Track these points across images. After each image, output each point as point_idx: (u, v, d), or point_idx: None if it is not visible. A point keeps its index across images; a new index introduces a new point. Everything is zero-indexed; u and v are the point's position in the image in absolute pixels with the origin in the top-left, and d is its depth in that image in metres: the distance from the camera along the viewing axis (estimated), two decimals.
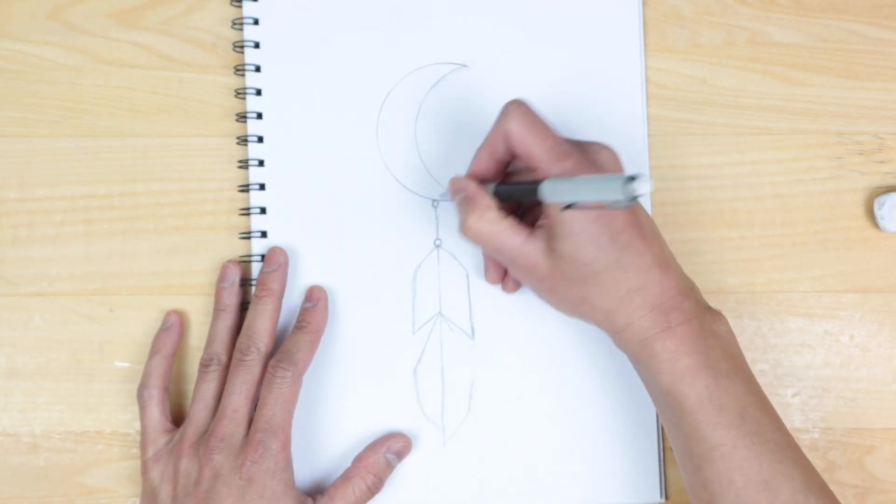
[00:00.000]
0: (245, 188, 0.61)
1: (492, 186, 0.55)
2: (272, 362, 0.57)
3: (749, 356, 0.61)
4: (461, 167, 0.61)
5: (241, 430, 0.56)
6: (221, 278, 0.60)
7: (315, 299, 0.60)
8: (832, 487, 0.61)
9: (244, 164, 0.61)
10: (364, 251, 0.61)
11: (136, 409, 0.61)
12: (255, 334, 0.58)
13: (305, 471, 0.60)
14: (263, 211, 0.61)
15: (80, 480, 0.61)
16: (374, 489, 0.58)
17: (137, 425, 0.61)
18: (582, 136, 0.61)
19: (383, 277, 0.61)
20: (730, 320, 0.61)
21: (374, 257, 0.61)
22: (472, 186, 0.55)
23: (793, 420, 0.61)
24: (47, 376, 0.61)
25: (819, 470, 0.61)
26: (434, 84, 0.62)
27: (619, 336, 0.54)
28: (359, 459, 0.59)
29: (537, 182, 0.52)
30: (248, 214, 0.61)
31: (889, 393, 0.62)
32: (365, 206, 0.61)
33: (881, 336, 0.62)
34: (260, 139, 0.61)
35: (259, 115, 0.61)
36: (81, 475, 0.61)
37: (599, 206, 0.48)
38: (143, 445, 0.58)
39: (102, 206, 0.62)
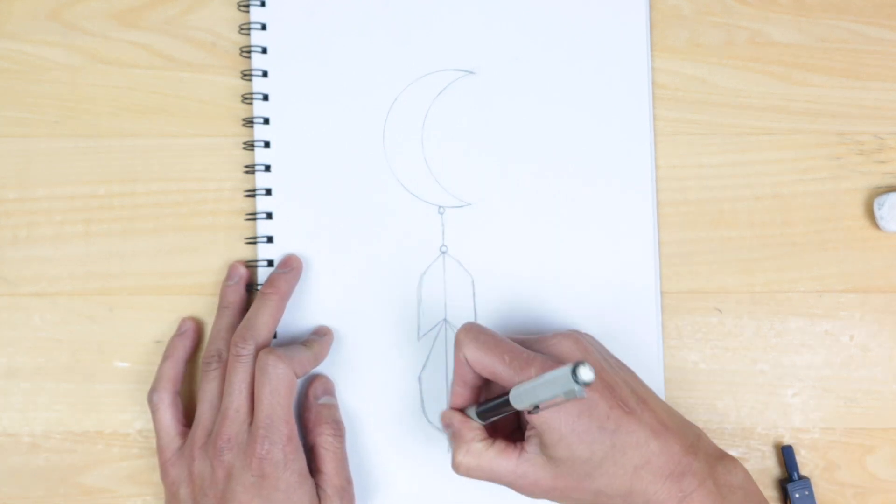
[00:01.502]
0: (251, 193, 0.61)
1: (472, 410, 0.55)
2: (262, 353, 0.56)
3: (749, 356, 0.62)
4: (467, 174, 0.61)
5: (246, 426, 0.56)
6: (228, 277, 0.60)
7: (322, 333, 0.60)
8: (832, 487, 0.61)
9: (251, 169, 0.61)
10: (370, 257, 0.61)
11: (135, 409, 0.61)
12: (253, 327, 0.57)
13: None
14: (270, 216, 0.61)
15: (80, 480, 0.61)
16: (338, 433, 0.58)
17: (137, 425, 0.61)
18: (587, 141, 0.61)
19: (389, 283, 0.61)
20: (729, 320, 0.62)
21: (380, 263, 0.61)
22: (456, 420, 0.55)
23: (793, 420, 0.62)
24: (47, 376, 0.61)
25: (819, 470, 0.61)
26: (441, 91, 0.62)
27: None
28: (304, 426, 0.59)
29: (506, 394, 0.52)
30: (255, 219, 0.61)
31: (889, 393, 0.62)
32: (371, 212, 0.61)
33: (881, 336, 0.62)
34: (267, 144, 0.61)
35: (266, 121, 0.61)
36: (81, 475, 0.61)
37: (563, 401, 0.48)
38: (160, 450, 0.58)
39: (102, 206, 0.62)
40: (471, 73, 0.62)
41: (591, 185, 0.62)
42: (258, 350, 0.57)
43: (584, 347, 0.54)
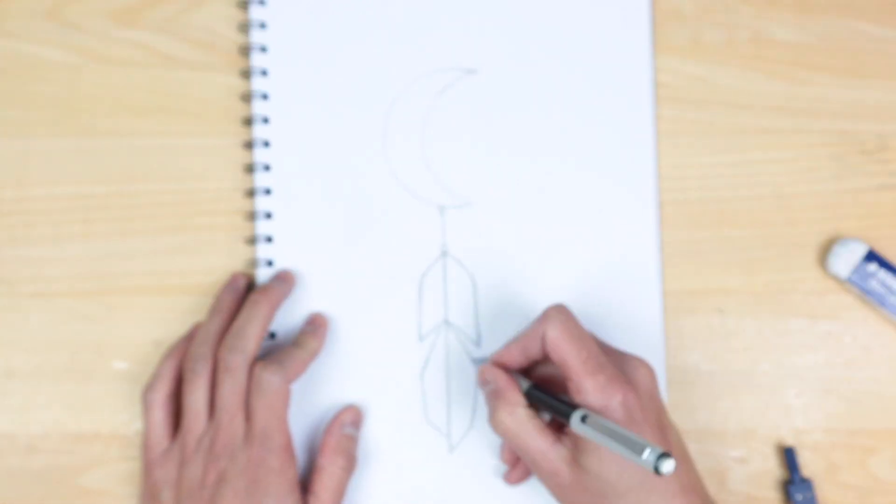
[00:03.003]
0: (251, 193, 0.61)
1: (525, 384, 0.55)
2: (259, 365, 0.56)
3: (751, 356, 0.62)
4: (468, 173, 0.61)
5: (240, 433, 0.56)
6: (228, 283, 0.60)
7: (316, 325, 0.60)
8: (835, 489, 0.61)
9: (250, 169, 0.61)
10: (370, 257, 0.61)
11: (134, 409, 0.61)
12: (242, 337, 0.57)
13: (309, 474, 0.59)
14: (269, 216, 0.61)
15: (78, 482, 0.61)
16: (349, 467, 0.58)
17: (135, 426, 0.61)
18: (589, 141, 0.61)
19: (389, 284, 0.61)
20: (731, 321, 0.62)
21: (380, 264, 0.61)
22: (503, 380, 0.55)
23: (795, 421, 0.61)
24: (45, 377, 0.61)
25: (821, 471, 0.61)
26: (442, 90, 0.62)
27: None
28: (321, 446, 0.59)
29: (571, 406, 0.52)
30: (255, 219, 0.61)
31: (891, 394, 0.62)
32: (371, 212, 0.61)
33: (883, 336, 0.62)
34: (266, 143, 0.61)
35: (266, 120, 0.61)
36: (79, 476, 0.61)
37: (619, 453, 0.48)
38: (147, 448, 0.58)
39: (101, 205, 0.62)
40: (472, 72, 0.62)
41: (593, 185, 0.61)
42: (247, 359, 0.57)
43: (654, 383, 0.54)
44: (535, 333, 0.54)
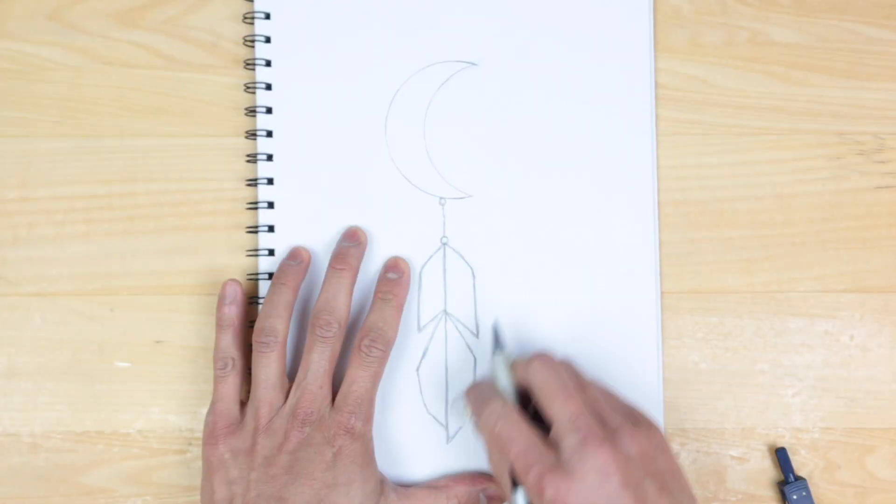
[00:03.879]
0: (253, 182, 0.61)
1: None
2: (366, 341, 0.57)
3: (749, 356, 0.62)
4: (469, 166, 0.61)
5: (326, 404, 0.56)
6: (222, 296, 0.59)
7: (399, 271, 0.60)
8: (832, 487, 0.61)
9: (252, 159, 0.62)
10: (371, 247, 0.61)
11: (136, 408, 0.61)
12: (334, 309, 0.58)
13: None
14: (271, 205, 0.61)
15: (81, 480, 0.61)
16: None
17: (138, 425, 0.61)
18: (589, 138, 0.62)
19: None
20: (730, 320, 0.62)
21: (380, 254, 0.61)
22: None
23: (793, 420, 0.62)
24: (47, 376, 0.61)
25: (819, 470, 0.61)
26: (443, 82, 0.62)
27: None
28: (454, 479, 0.59)
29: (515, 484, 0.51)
30: (256, 209, 0.61)
31: (889, 393, 0.62)
32: (372, 202, 0.61)
33: (881, 336, 0.62)
34: (269, 134, 0.62)
35: (269, 110, 0.62)
36: (81, 475, 0.61)
37: None
38: (216, 417, 0.57)
39: (103, 206, 0.62)
40: (473, 64, 0.62)
41: (592, 186, 0.62)
42: (342, 330, 0.57)
43: (610, 472, 0.48)
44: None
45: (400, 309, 0.59)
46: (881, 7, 0.63)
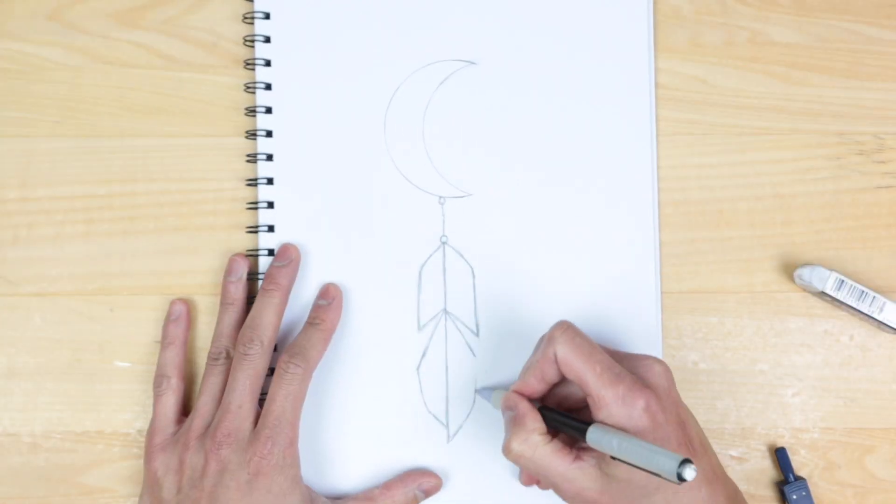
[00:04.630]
0: (253, 182, 0.62)
1: (538, 405, 0.55)
2: (284, 357, 0.57)
3: (749, 356, 0.62)
4: (468, 165, 0.61)
5: (248, 424, 0.56)
6: (228, 272, 0.60)
7: (330, 297, 0.60)
8: (832, 487, 0.61)
9: (252, 158, 0.62)
10: (370, 247, 0.61)
11: (136, 408, 0.61)
12: (258, 326, 0.58)
13: (308, 465, 0.59)
14: (271, 205, 0.61)
15: (80, 480, 0.61)
16: None
17: (138, 425, 0.61)
18: (588, 138, 0.62)
19: (389, 273, 0.61)
20: (730, 320, 0.62)
21: (380, 253, 0.61)
22: (523, 406, 0.54)
23: (793, 420, 0.62)
24: (47, 376, 0.61)
25: (819, 470, 0.61)
26: (442, 81, 0.62)
27: None
28: (387, 486, 0.59)
29: (584, 424, 0.51)
30: (256, 209, 0.61)
31: (889, 392, 0.62)
32: (372, 201, 0.62)
33: (881, 336, 0.62)
34: (269, 133, 0.62)
35: (268, 110, 0.62)
36: (81, 475, 0.61)
37: (643, 469, 0.48)
38: (151, 433, 0.58)
39: (103, 206, 0.62)
40: (472, 63, 0.62)
41: (592, 183, 0.62)
42: (265, 348, 0.57)
43: (670, 379, 0.54)
44: (545, 358, 0.54)
45: (328, 333, 0.59)
46: (881, 7, 0.63)
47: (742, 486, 0.61)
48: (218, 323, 0.60)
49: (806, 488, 0.60)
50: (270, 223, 0.61)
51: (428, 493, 0.60)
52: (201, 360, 0.61)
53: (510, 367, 0.61)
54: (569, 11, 0.62)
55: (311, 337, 0.58)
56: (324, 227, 0.61)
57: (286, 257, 0.60)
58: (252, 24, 0.62)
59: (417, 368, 0.61)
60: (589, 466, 0.52)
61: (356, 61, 0.62)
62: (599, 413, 0.52)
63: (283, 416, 0.56)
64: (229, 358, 0.58)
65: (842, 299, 0.60)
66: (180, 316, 0.60)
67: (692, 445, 0.52)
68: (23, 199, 0.62)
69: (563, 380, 0.55)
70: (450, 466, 0.61)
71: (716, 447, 0.61)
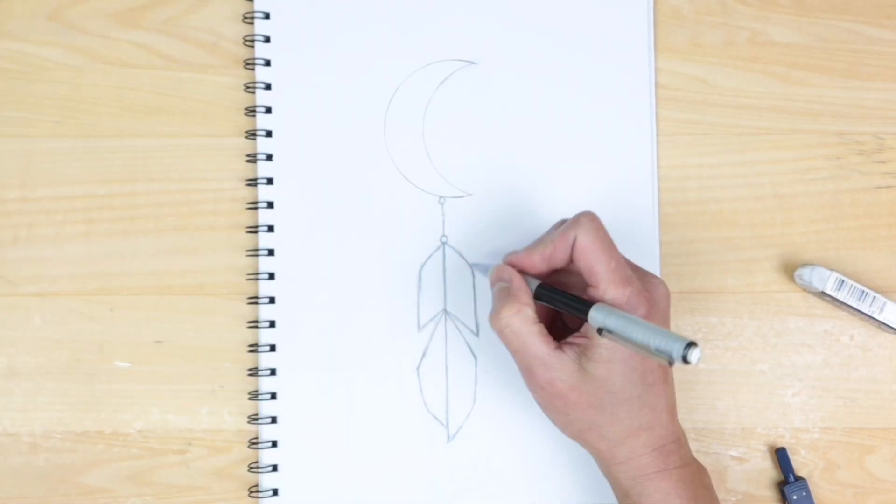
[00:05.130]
0: (253, 182, 0.62)
1: (534, 283, 0.54)
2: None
3: (749, 356, 0.62)
4: (468, 165, 0.61)
5: None
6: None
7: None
8: (832, 487, 0.61)
9: (252, 158, 0.62)
10: (370, 247, 0.61)
11: (135, 408, 0.61)
12: None
13: (308, 465, 0.60)
14: (271, 205, 0.61)
15: (80, 480, 0.61)
16: None
17: (138, 425, 0.61)
18: (588, 138, 0.61)
19: (389, 273, 0.61)
20: (730, 320, 0.62)
21: (380, 253, 0.61)
22: (517, 280, 0.54)
23: (793, 420, 0.62)
24: (47, 376, 0.61)
25: (819, 470, 0.61)
26: (442, 81, 0.62)
27: (615, 468, 0.54)
28: None
29: (588, 302, 0.51)
30: (256, 209, 0.61)
31: (889, 393, 0.62)
32: (372, 201, 0.62)
33: (881, 336, 0.62)
34: (269, 133, 0.62)
35: (268, 110, 0.62)
36: (81, 475, 0.61)
37: (640, 350, 0.48)
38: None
39: (103, 206, 0.62)
40: (472, 63, 0.62)
41: (592, 183, 0.62)
42: None
43: (668, 303, 0.55)
44: (564, 238, 0.53)
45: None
46: (881, 7, 0.63)
47: (742, 487, 0.61)
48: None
49: (806, 488, 0.60)
50: (270, 223, 0.61)
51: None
52: (200, 359, 0.61)
53: (510, 367, 0.61)
54: (569, 11, 0.62)
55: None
56: (324, 227, 0.61)
57: None
58: (252, 24, 0.62)
59: (417, 368, 0.61)
60: (568, 359, 0.52)
61: (356, 61, 0.62)
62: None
63: None
64: None
65: (842, 299, 0.60)
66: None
67: (666, 374, 0.54)
68: (23, 199, 0.62)
69: (562, 269, 0.55)
70: (450, 466, 0.61)
71: (716, 447, 0.61)
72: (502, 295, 0.54)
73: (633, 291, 0.52)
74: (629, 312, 0.51)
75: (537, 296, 0.54)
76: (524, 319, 0.53)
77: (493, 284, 0.55)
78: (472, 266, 0.61)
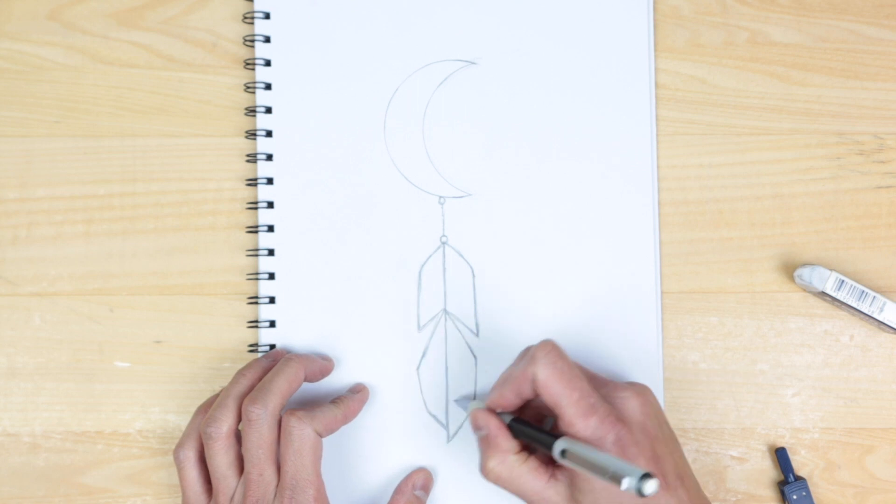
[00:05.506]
0: (253, 182, 0.62)
1: (507, 417, 0.55)
2: (286, 414, 0.56)
3: (749, 356, 0.62)
4: (469, 165, 0.61)
5: (272, 486, 0.55)
6: (267, 355, 0.60)
7: (358, 390, 0.60)
8: (832, 487, 0.61)
9: (252, 158, 0.62)
10: (370, 247, 0.61)
11: (135, 409, 0.61)
12: (267, 391, 0.56)
13: None
14: (271, 205, 0.61)
15: (80, 480, 0.61)
16: None
17: (137, 425, 0.61)
18: (588, 138, 0.61)
19: (389, 273, 0.61)
20: (730, 320, 0.62)
21: (380, 253, 0.61)
22: (494, 425, 0.54)
23: (793, 420, 0.62)
24: (47, 376, 0.61)
25: (819, 470, 0.61)
26: (442, 81, 0.62)
27: None
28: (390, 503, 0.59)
29: (553, 437, 0.51)
30: (256, 209, 0.61)
31: (889, 393, 0.62)
32: (372, 202, 0.62)
33: (881, 336, 0.62)
34: (269, 133, 0.62)
35: (268, 110, 0.62)
36: (81, 475, 0.61)
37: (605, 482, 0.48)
38: None
39: (102, 206, 0.62)
40: (472, 63, 0.62)
41: (592, 186, 0.62)
42: (271, 413, 0.55)
43: (648, 413, 0.54)
44: (524, 376, 0.53)
45: (345, 416, 0.58)
46: (881, 7, 0.63)
47: (742, 487, 0.61)
48: (222, 392, 0.58)
49: (806, 488, 0.60)
50: (270, 223, 0.61)
51: (426, 488, 0.60)
52: (200, 359, 0.61)
53: None
54: (569, 11, 0.62)
55: (328, 410, 0.57)
56: (323, 226, 0.61)
57: (326, 358, 0.60)
58: (252, 24, 0.62)
59: (417, 368, 0.61)
60: (563, 487, 0.53)
61: (356, 61, 0.62)
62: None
63: (298, 474, 0.55)
64: (221, 427, 0.56)
65: (842, 299, 0.60)
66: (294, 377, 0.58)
67: (665, 479, 0.52)
68: (23, 199, 0.62)
69: (536, 398, 0.55)
70: (450, 466, 0.61)
71: (716, 447, 0.61)
72: (484, 445, 0.55)
73: (597, 420, 0.51)
74: (597, 442, 0.51)
75: (511, 429, 0.54)
76: (510, 466, 0.53)
77: (474, 431, 0.56)
78: (455, 402, 0.61)
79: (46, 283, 0.62)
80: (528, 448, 0.54)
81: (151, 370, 0.61)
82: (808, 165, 0.62)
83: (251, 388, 0.57)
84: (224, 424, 0.56)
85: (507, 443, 0.54)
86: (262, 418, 0.55)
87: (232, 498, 0.56)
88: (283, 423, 0.55)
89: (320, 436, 0.56)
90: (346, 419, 0.58)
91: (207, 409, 0.58)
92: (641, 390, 0.54)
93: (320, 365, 0.59)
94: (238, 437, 0.56)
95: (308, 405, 0.58)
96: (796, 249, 0.62)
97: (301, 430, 0.55)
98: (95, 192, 0.62)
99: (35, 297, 0.62)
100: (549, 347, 0.53)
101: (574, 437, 0.51)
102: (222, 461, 0.56)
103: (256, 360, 0.59)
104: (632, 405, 0.53)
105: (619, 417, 0.52)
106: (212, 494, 0.57)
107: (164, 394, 0.61)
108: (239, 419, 0.56)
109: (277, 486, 0.55)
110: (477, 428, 0.55)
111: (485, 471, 0.54)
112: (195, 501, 0.57)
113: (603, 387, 0.54)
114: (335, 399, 0.59)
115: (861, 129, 0.62)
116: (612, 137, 0.62)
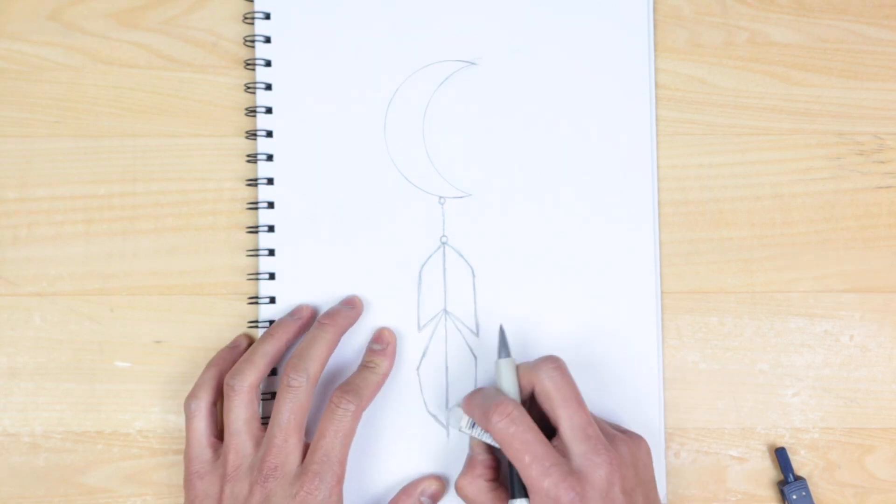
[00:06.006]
0: (253, 182, 0.62)
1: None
2: (337, 393, 0.56)
3: (749, 356, 0.62)
4: (469, 165, 0.61)
5: (294, 458, 0.55)
6: (292, 312, 0.60)
7: (384, 342, 0.60)
8: (832, 487, 0.61)
9: (252, 158, 0.62)
10: (370, 247, 0.61)
11: (135, 408, 0.61)
12: (307, 358, 0.57)
13: None
14: (271, 205, 0.61)
15: (80, 480, 0.61)
16: None
17: (137, 425, 0.61)
18: (588, 138, 0.62)
19: (389, 273, 0.61)
20: (730, 320, 0.62)
21: (380, 253, 0.61)
22: (478, 451, 0.57)
23: (793, 420, 0.62)
24: (47, 376, 0.61)
25: (819, 470, 0.61)
26: (443, 81, 0.62)
27: None
28: (393, 502, 0.59)
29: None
30: (256, 209, 0.61)
31: (889, 393, 0.62)
32: (372, 201, 0.62)
33: (881, 336, 0.62)
34: (269, 133, 0.62)
35: (268, 110, 0.62)
36: (81, 475, 0.61)
37: None
38: (189, 459, 0.57)
39: (102, 206, 0.62)
40: (472, 63, 0.62)
41: (592, 185, 0.62)
42: (310, 381, 0.56)
43: (614, 481, 0.53)
44: (486, 425, 0.55)
45: (382, 377, 0.59)
46: (881, 7, 0.63)
47: (742, 487, 0.61)
48: (253, 346, 0.58)
49: (806, 488, 0.60)
50: (270, 223, 0.61)
51: (434, 498, 0.60)
52: (200, 359, 0.61)
53: None
54: (569, 12, 0.62)
55: (366, 378, 0.58)
56: (323, 227, 0.61)
57: (352, 304, 0.60)
58: (252, 24, 0.62)
59: (417, 368, 0.61)
60: None
61: (356, 61, 0.62)
62: (532, 497, 0.53)
63: (331, 452, 0.55)
64: (245, 381, 0.56)
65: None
66: (237, 347, 0.60)
67: None
68: (23, 199, 0.62)
69: (532, 398, 0.56)
70: (450, 466, 0.61)
71: (716, 447, 0.61)
72: (466, 461, 0.58)
73: (552, 483, 0.52)
74: (554, 500, 0.52)
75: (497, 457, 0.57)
76: (477, 489, 0.56)
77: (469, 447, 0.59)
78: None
79: (46, 283, 0.62)
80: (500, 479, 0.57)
81: (151, 370, 0.61)
82: (808, 165, 0.62)
83: (279, 350, 0.58)
84: (248, 378, 0.57)
85: (482, 469, 0.57)
86: (303, 386, 0.56)
87: (244, 458, 0.56)
88: (333, 399, 0.56)
89: (363, 412, 0.57)
90: (384, 380, 0.59)
91: (219, 364, 0.59)
92: (610, 461, 0.53)
93: (350, 320, 0.60)
94: (258, 395, 0.57)
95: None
96: (796, 249, 0.62)
97: (347, 411, 0.56)
98: (95, 192, 0.62)
99: (35, 297, 0.62)
100: (508, 411, 0.54)
101: (532, 495, 0.53)
102: (240, 415, 0.56)
103: (284, 320, 0.59)
104: (597, 476, 0.53)
105: (578, 481, 0.52)
106: (216, 451, 0.57)
107: (164, 394, 0.61)
108: (262, 377, 0.57)
109: (300, 457, 0.55)
110: (470, 447, 0.58)
111: (457, 485, 0.57)
112: (198, 454, 0.57)
113: (587, 440, 0.54)
114: (366, 362, 0.59)
115: (861, 129, 0.63)
116: (612, 137, 0.62)
